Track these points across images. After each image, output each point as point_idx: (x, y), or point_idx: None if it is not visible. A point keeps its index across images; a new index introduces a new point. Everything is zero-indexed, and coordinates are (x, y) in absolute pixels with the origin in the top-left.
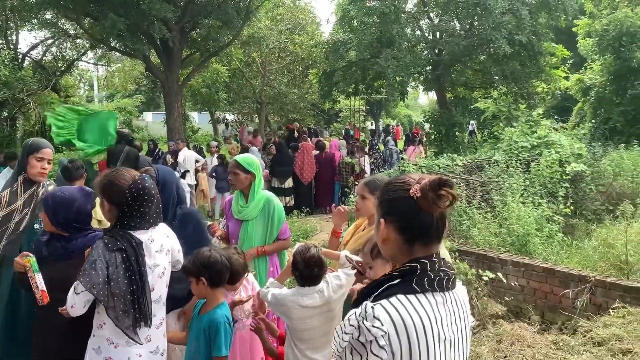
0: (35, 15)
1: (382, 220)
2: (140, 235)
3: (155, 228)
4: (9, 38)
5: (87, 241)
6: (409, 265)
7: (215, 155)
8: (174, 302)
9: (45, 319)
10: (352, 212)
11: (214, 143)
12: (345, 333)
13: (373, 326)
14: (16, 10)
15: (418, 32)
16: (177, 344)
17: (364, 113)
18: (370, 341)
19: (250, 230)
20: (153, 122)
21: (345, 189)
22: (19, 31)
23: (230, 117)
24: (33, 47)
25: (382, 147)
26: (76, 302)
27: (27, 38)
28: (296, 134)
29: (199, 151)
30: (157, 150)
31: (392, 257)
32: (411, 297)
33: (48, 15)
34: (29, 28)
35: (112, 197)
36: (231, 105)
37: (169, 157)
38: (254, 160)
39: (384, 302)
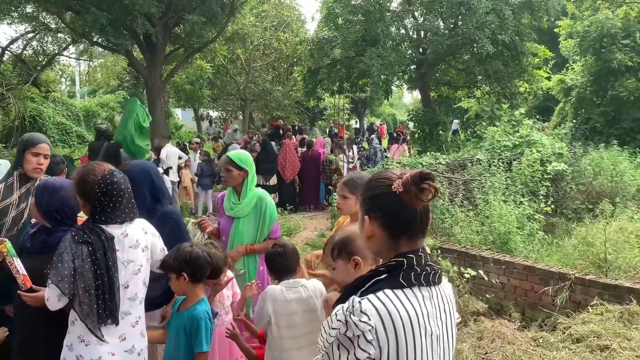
0: (16, 8)
1: (366, 217)
2: (113, 229)
3: (132, 223)
4: None
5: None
6: (395, 260)
7: (198, 152)
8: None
9: (25, 312)
10: (335, 210)
11: (196, 140)
12: (333, 328)
13: (360, 321)
14: None
15: (402, 31)
16: (154, 342)
17: (348, 111)
18: (358, 336)
19: (241, 228)
20: None
21: (329, 187)
22: None
23: (214, 114)
24: (13, 41)
25: (366, 146)
26: (49, 295)
27: (6, 31)
28: (281, 132)
29: (183, 148)
30: None
31: (377, 253)
32: (398, 291)
33: (29, 9)
34: (9, 21)
35: (84, 193)
36: (215, 102)
37: (151, 154)
38: (247, 156)
39: (371, 296)
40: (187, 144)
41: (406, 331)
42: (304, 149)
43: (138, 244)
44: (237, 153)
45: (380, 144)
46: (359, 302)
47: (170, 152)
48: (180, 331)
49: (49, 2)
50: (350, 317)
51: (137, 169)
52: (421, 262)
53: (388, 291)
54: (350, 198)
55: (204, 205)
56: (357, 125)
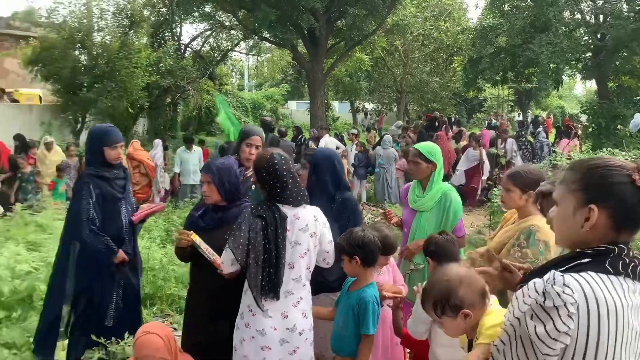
0: (197, 8)
1: (592, 206)
2: (287, 210)
3: (305, 208)
4: (174, 30)
5: (239, 211)
6: (605, 246)
7: (355, 142)
8: (324, 285)
9: (194, 288)
10: (494, 206)
11: (353, 131)
12: (529, 296)
13: (564, 292)
14: (181, 5)
15: (578, 16)
16: (322, 318)
17: (511, 103)
18: (558, 307)
19: (423, 222)
20: (297, 110)
21: (489, 182)
22: (182, 24)
23: (369, 106)
24: (193, 39)
25: (531, 139)
26: (224, 259)
27: (188, 30)
28: (437, 124)
29: (341, 139)
30: (300, 136)
31: (583, 242)
32: (603, 276)
33: (207, 8)
34: (191, 21)
35: (257, 178)
36: (371, 94)
37: (311, 143)
38: (436, 149)
39: (574, 274)
40: (346, 134)
41: (610, 318)
42: (465, 142)
43: (307, 228)
44: (426, 145)
45: (547, 138)
46: (562, 275)
47: (328, 142)
48: (349, 311)
49: (225, 1)
50: (551, 287)
51: (320, 155)
52: (629, 253)
53: (592, 273)
54: (514, 191)
55: (358, 194)
56: (520, 118)
